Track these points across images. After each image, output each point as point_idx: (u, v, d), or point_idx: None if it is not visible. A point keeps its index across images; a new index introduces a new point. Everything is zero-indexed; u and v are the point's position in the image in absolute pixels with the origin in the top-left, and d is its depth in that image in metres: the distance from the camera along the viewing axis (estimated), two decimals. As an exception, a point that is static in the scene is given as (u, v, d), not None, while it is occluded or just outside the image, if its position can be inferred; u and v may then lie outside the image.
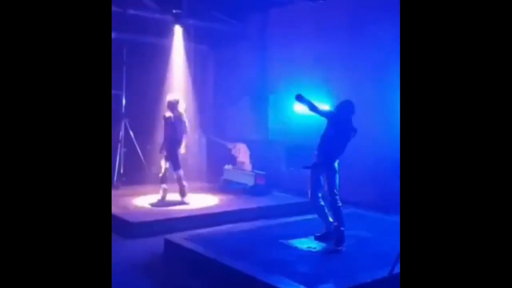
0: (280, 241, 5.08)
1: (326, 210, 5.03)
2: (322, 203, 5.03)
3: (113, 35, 5.83)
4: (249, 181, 7.84)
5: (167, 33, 8.31)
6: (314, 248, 4.84)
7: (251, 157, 8.32)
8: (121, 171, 8.26)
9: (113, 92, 6.84)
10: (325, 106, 5.51)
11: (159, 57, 8.55)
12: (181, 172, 6.91)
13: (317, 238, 5.06)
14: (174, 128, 6.80)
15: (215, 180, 8.44)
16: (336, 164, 4.91)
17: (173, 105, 6.84)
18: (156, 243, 5.18)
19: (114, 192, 6.74)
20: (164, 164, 6.91)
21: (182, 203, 6.91)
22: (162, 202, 6.89)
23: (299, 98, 4.77)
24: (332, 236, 4.91)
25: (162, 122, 6.93)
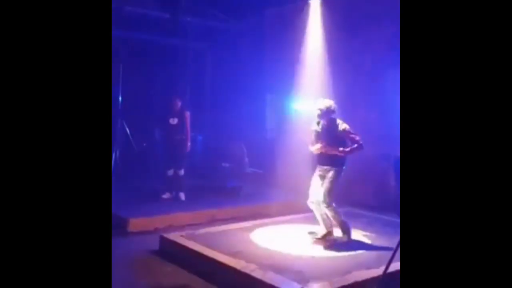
0: (276, 239, 5.10)
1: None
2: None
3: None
4: (246, 180, 7.85)
5: (164, 30, 8.30)
6: (310, 246, 4.86)
7: (247, 155, 8.32)
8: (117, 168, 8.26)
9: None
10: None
11: (156, 55, 8.54)
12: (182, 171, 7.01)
13: (312, 234, 5.09)
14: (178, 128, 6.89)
15: (212, 178, 8.44)
16: (331, 173, 4.92)
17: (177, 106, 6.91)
18: (151, 240, 5.18)
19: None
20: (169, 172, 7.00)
21: (178, 199, 6.96)
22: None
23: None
24: (327, 234, 4.96)
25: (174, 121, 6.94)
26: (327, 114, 4.94)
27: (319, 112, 4.96)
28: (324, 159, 4.95)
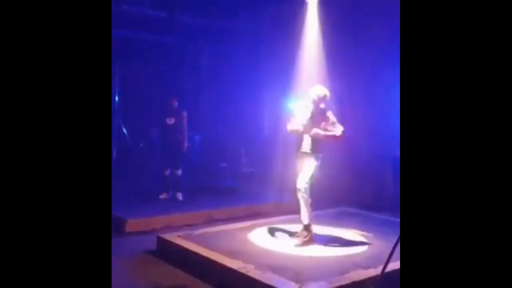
0: (273, 239, 5.09)
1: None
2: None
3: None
4: (243, 179, 7.84)
5: (161, 29, 8.27)
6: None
7: (245, 154, 8.31)
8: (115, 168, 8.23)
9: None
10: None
11: (153, 54, 8.51)
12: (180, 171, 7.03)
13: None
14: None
15: (209, 178, 8.42)
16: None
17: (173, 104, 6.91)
18: (148, 241, 5.16)
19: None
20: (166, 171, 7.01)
21: (175, 199, 6.94)
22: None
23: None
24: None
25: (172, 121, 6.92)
26: (320, 103, 4.89)
27: (313, 99, 4.92)
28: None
